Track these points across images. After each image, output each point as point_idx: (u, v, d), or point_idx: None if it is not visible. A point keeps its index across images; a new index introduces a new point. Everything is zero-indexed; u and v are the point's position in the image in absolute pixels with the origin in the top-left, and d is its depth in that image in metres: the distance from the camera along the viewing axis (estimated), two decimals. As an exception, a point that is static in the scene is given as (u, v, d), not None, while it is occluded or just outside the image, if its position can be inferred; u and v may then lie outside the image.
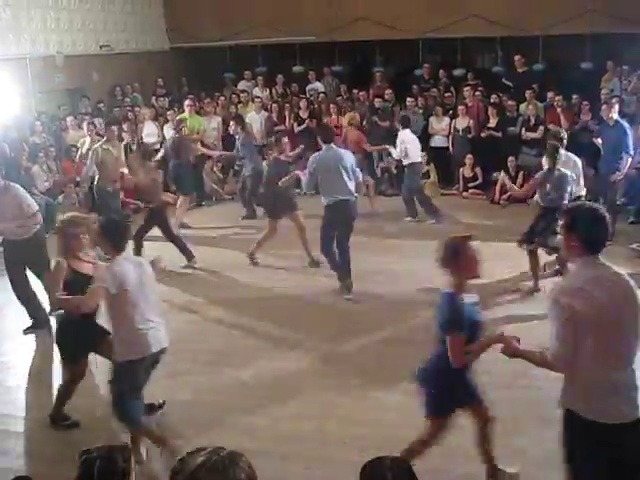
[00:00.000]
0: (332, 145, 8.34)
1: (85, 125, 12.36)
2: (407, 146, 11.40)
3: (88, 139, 11.99)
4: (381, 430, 5.29)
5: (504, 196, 12.34)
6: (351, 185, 8.21)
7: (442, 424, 4.47)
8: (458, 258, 4.24)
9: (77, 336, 5.47)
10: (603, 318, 3.42)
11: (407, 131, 11.60)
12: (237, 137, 11.94)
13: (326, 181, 8.16)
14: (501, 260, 8.55)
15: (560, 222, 6.73)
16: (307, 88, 15.86)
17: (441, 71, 15.39)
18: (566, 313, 3.42)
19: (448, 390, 4.36)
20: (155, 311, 5.19)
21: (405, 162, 11.59)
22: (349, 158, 8.41)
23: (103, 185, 10.40)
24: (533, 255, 8.10)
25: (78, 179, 12.33)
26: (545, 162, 8.02)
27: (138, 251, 9.39)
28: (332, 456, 5.12)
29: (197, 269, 9.56)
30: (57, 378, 6.17)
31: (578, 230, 3.57)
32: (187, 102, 13.55)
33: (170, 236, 9.64)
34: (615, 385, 3.49)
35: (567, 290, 3.50)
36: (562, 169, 7.85)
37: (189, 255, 9.63)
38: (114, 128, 11.11)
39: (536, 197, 8.38)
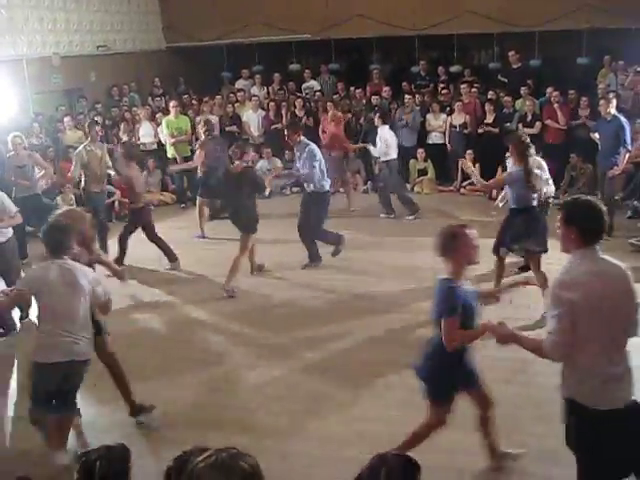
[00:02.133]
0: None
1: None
2: (387, 143, 11.48)
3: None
4: (385, 428, 5.30)
5: (465, 183, 12.77)
6: None
7: (444, 409, 4.51)
8: (455, 244, 4.35)
9: None
10: (600, 309, 3.49)
11: (386, 127, 11.62)
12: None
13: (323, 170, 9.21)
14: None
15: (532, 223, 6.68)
16: (303, 86, 15.87)
17: (440, 68, 15.40)
18: (564, 305, 3.49)
19: (446, 373, 4.43)
20: (77, 323, 4.98)
21: (384, 159, 11.65)
22: None
23: (89, 186, 10.36)
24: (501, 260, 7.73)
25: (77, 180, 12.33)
26: (513, 161, 7.62)
27: (122, 253, 9.42)
28: (335, 454, 5.12)
29: (184, 271, 9.57)
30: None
31: (576, 222, 3.63)
32: (172, 103, 13.53)
33: (153, 237, 9.63)
34: (613, 374, 3.56)
35: (565, 282, 3.57)
36: (535, 169, 7.46)
37: (172, 257, 9.64)
38: (97, 128, 11.10)
39: (500, 198, 8.34)
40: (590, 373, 3.56)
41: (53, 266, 5.02)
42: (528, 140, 7.51)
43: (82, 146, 10.54)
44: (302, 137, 9.25)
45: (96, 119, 13.37)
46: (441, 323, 4.28)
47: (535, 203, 7.48)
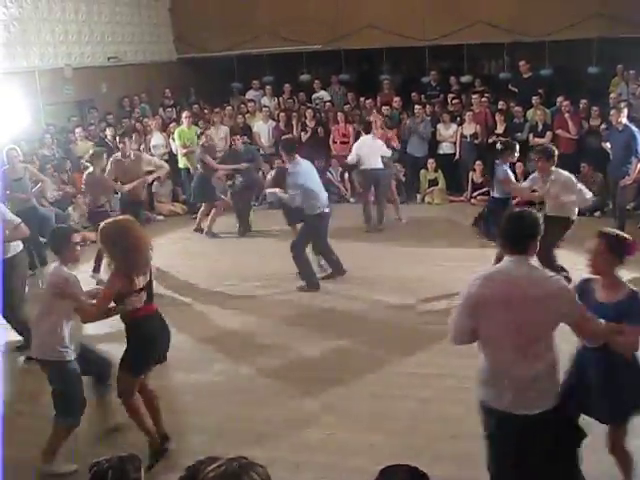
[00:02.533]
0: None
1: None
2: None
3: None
4: (395, 439, 5.28)
5: (475, 193, 12.85)
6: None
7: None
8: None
9: None
10: (503, 311, 3.65)
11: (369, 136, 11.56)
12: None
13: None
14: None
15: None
16: (312, 97, 15.91)
17: (452, 78, 15.41)
18: (467, 298, 3.76)
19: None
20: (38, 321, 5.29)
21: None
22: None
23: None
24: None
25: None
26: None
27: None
28: (344, 465, 5.10)
29: (208, 281, 9.56)
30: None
31: (501, 231, 3.91)
32: (185, 114, 13.59)
33: None
34: (522, 378, 3.67)
35: (477, 277, 3.80)
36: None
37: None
38: (127, 140, 11.02)
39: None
40: (496, 376, 3.74)
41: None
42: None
43: (113, 157, 10.26)
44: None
45: (107, 131, 13.48)
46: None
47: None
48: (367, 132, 11.63)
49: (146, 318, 5.12)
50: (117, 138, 10.46)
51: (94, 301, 5.20)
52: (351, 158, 11.48)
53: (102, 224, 5.11)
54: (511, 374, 3.67)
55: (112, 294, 5.00)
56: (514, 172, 9.77)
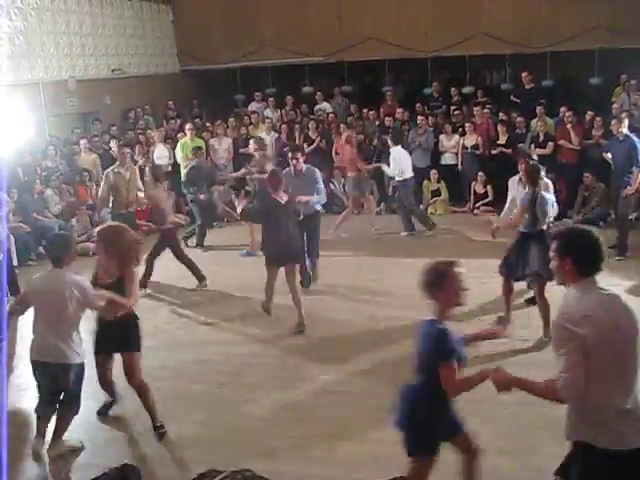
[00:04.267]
0: None
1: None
2: (401, 162, 11.59)
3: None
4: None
5: (478, 204, 12.99)
6: None
7: (429, 463, 4.13)
8: (442, 283, 4.02)
9: None
10: (612, 343, 3.33)
11: (399, 147, 11.70)
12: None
13: None
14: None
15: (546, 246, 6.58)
16: (315, 109, 15.96)
17: (453, 89, 15.46)
18: (574, 340, 3.31)
19: (432, 424, 4.07)
20: (54, 330, 5.34)
21: (399, 178, 11.72)
22: None
23: (116, 209, 10.46)
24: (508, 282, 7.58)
25: (91, 202, 12.45)
26: (524, 185, 7.62)
27: (149, 273, 9.41)
28: (348, 477, 5.09)
29: (207, 290, 9.59)
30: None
31: (572, 253, 3.48)
32: (188, 125, 13.64)
33: (181, 257, 9.67)
34: (624, 411, 3.38)
35: (572, 318, 3.36)
36: (544, 193, 7.42)
37: (200, 277, 9.66)
38: (126, 151, 11.17)
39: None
40: (599, 411, 3.38)
41: (49, 275, 5.52)
42: (537, 164, 7.66)
43: (111, 168, 10.65)
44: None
45: (111, 143, 13.56)
46: (431, 370, 3.97)
47: (545, 227, 7.43)
48: (396, 143, 11.82)
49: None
50: (119, 149, 10.64)
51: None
52: (394, 170, 11.75)
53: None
54: (619, 408, 3.36)
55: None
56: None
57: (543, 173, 7.57)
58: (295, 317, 7.96)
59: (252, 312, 8.66)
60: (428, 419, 4.05)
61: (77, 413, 5.61)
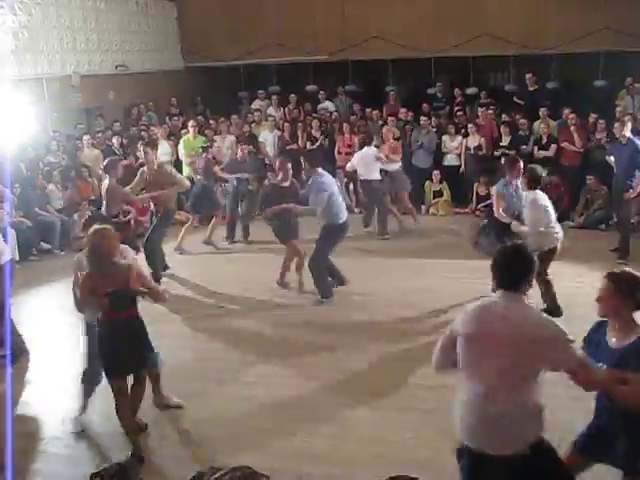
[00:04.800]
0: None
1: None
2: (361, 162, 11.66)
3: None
4: (399, 450, 5.28)
5: (480, 205, 12.72)
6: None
7: None
8: None
9: None
10: (476, 342, 3.66)
11: (365, 148, 11.80)
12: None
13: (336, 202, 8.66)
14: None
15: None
16: (318, 107, 15.96)
17: (456, 90, 15.46)
18: (449, 329, 3.83)
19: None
20: None
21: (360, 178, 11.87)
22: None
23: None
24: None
25: (93, 197, 12.44)
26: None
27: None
28: (347, 476, 5.10)
29: (206, 287, 9.58)
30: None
31: (494, 269, 3.84)
32: (190, 123, 13.61)
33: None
34: (482, 414, 3.63)
35: (465, 312, 3.82)
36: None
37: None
38: (149, 150, 10.94)
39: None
40: (467, 409, 3.70)
41: None
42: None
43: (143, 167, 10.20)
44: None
45: (114, 139, 13.56)
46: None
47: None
48: (367, 144, 11.84)
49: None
50: (142, 148, 10.27)
51: None
52: (349, 166, 11.81)
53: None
54: (485, 412, 3.61)
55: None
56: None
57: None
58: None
59: (252, 309, 8.69)
60: None
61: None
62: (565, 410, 5.22)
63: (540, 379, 3.65)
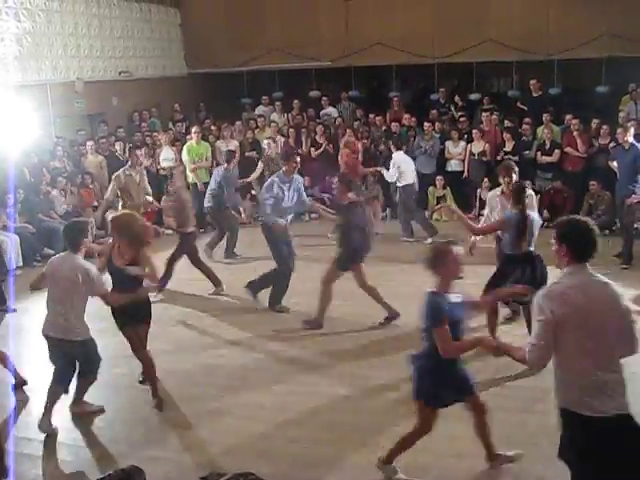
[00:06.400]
0: None
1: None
2: (401, 168, 11.68)
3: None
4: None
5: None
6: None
7: (430, 414, 4.77)
8: (443, 260, 4.64)
9: None
10: (583, 320, 3.65)
11: (400, 152, 11.79)
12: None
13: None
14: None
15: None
16: (321, 113, 15.98)
17: (456, 96, 15.47)
18: (545, 315, 3.68)
19: (433, 378, 4.68)
20: (62, 309, 5.83)
21: (400, 184, 11.87)
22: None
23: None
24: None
25: (96, 204, 12.47)
26: (509, 204, 7.23)
27: (168, 275, 9.34)
28: (349, 481, 5.09)
29: (222, 295, 9.58)
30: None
31: (567, 241, 3.81)
32: (194, 129, 13.62)
33: (197, 263, 9.61)
34: (602, 382, 3.66)
35: (549, 294, 3.76)
36: (532, 213, 7.09)
37: (216, 282, 9.62)
38: (138, 153, 11.11)
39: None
40: (578, 382, 3.69)
41: (64, 257, 5.99)
42: (522, 182, 7.36)
43: (121, 170, 10.56)
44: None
45: (117, 145, 13.59)
46: (432, 333, 4.55)
47: (532, 247, 7.01)
48: (398, 148, 12.03)
49: None
50: (127, 151, 10.45)
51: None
52: (392, 174, 11.89)
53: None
54: (597, 379, 3.66)
55: None
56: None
57: (529, 191, 7.32)
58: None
59: (257, 316, 8.68)
60: (431, 374, 4.68)
61: (92, 382, 6.14)
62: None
63: None
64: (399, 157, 11.82)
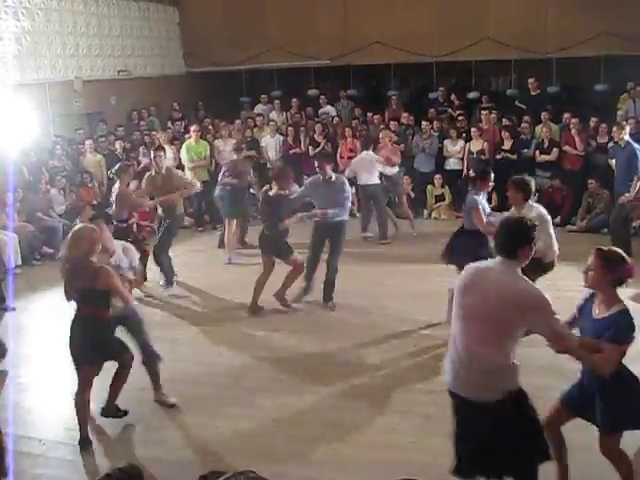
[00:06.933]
0: None
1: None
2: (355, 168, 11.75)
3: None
4: (398, 455, 5.28)
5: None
6: None
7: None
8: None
9: None
10: (468, 295, 4.03)
11: (364, 152, 11.87)
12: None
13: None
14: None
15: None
16: (319, 112, 15.98)
17: (453, 95, 15.47)
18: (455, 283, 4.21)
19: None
20: None
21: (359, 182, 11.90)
22: None
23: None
24: None
25: (95, 203, 12.46)
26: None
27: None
28: (349, 480, 5.10)
29: (208, 292, 9.60)
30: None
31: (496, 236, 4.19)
32: (193, 127, 13.59)
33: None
34: (458, 357, 4.09)
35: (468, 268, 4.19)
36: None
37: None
38: (159, 154, 10.88)
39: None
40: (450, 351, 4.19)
41: None
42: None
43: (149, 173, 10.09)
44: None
45: (116, 144, 13.58)
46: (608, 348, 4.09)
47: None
48: (366, 148, 11.90)
49: None
50: (151, 152, 10.23)
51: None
52: (348, 173, 11.61)
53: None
54: (460, 356, 4.05)
55: None
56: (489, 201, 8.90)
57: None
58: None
59: (256, 315, 8.68)
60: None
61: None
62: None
63: (516, 341, 4.00)
64: (360, 157, 11.88)
